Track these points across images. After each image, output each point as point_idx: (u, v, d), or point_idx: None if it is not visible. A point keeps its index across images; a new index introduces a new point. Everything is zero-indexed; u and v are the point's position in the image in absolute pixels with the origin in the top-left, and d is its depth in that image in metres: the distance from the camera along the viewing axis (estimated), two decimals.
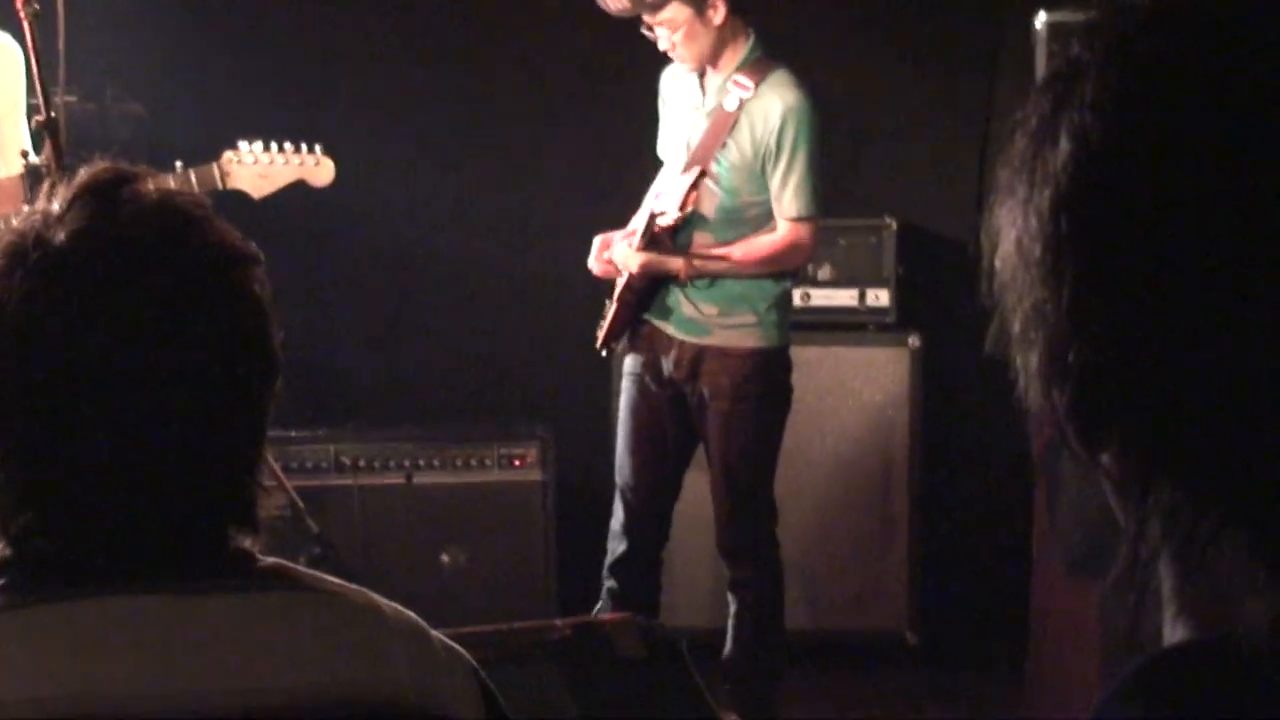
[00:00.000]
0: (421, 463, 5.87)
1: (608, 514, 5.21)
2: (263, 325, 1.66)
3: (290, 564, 1.70)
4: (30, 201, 1.65)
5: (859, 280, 6.11)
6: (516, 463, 5.90)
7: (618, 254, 5.02)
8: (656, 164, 5.19)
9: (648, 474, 5.09)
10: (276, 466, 5.16)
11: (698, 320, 4.99)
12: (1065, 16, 4.97)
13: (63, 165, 4.19)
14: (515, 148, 6.47)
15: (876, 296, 6.09)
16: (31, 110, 4.58)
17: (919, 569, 5.99)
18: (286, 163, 5.10)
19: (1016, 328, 0.91)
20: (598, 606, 5.10)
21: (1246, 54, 0.86)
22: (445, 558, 5.83)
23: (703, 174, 4.82)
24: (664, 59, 5.00)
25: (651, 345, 5.06)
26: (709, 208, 4.93)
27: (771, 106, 4.84)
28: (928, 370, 6.00)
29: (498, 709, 1.73)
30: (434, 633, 1.72)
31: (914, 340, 5.99)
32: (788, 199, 4.88)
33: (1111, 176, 0.87)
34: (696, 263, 4.93)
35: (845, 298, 6.10)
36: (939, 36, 6.42)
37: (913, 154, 6.45)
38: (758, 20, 4.97)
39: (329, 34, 6.44)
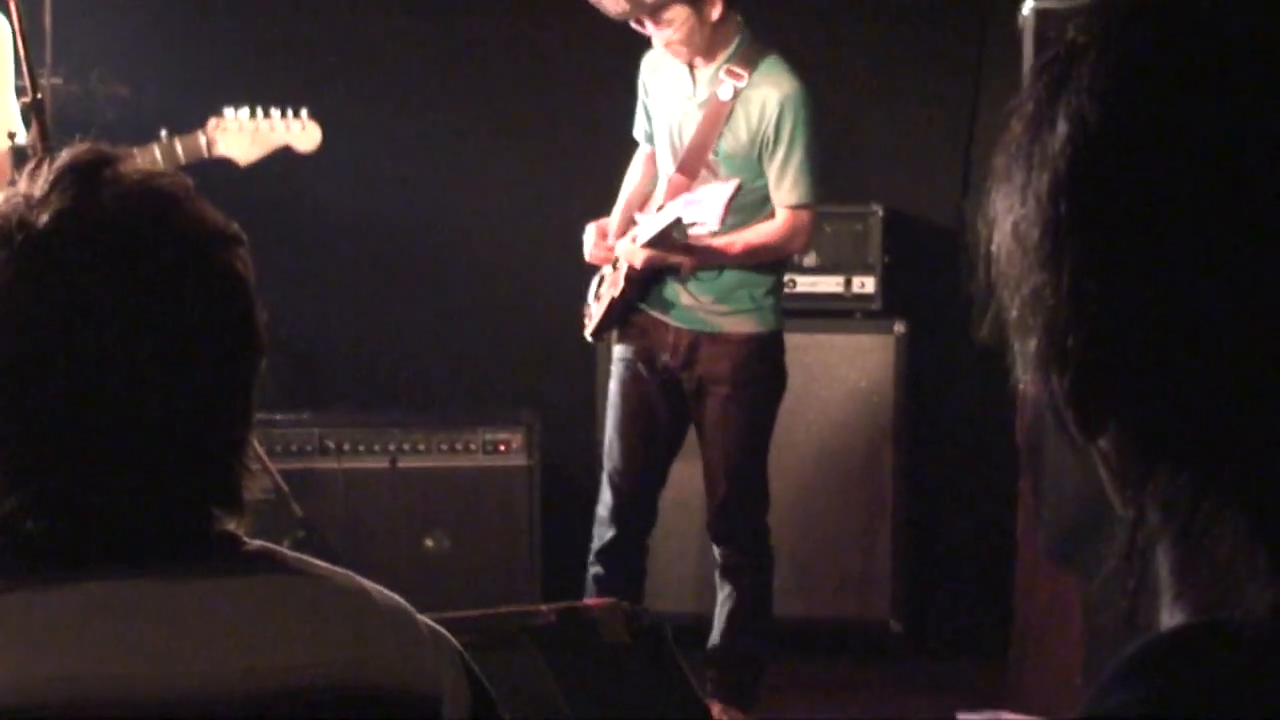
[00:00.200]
0: (406, 447, 5.87)
1: (593, 500, 5.21)
2: (247, 306, 1.66)
3: (277, 547, 1.70)
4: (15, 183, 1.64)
5: (845, 267, 6.11)
6: (501, 448, 5.90)
7: (621, 248, 5.01)
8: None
9: (637, 460, 5.09)
10: (260, 449, 5.15)
11: (695, 308, 4.99)
12: (1052, 4, 4.97)
13: (49, 147, 4.17)
14: (503, 132, 6.46)
15: (862, 283, 6.09)
16: (18, 92, 4.56)
17: (904, 556, 5.99)
18: (273, 128, 5.09)
19: (1014, 313, 0.91)
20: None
21: (1246, 36, 0.86)
22: (429, 542, 5.83)
23: (739, 188, 4.79)
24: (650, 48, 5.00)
25: (645, 334, 5.06)
26: None
27: (768, 95, 4.85)
28: (913, 357, 6.00)
29: (484, 693, 1.73)
30: (420, 616, 1.72)
31: (899, 327, 5.99)
32: (787, 187, 4.88)
33: (1111, 160, 0.87)
34: (700, 257, 4.93)
35: (831, 284, 6.10)
36: (925, 24, 6.42)
37: (899, 142, 6.46)
38: (744, 9, 4.96)
39: (314, 19, 6.43)
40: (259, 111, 5.05)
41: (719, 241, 4.90)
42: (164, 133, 4.88)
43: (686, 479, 5.23)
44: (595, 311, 5.14)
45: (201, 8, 6.36)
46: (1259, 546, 0.82)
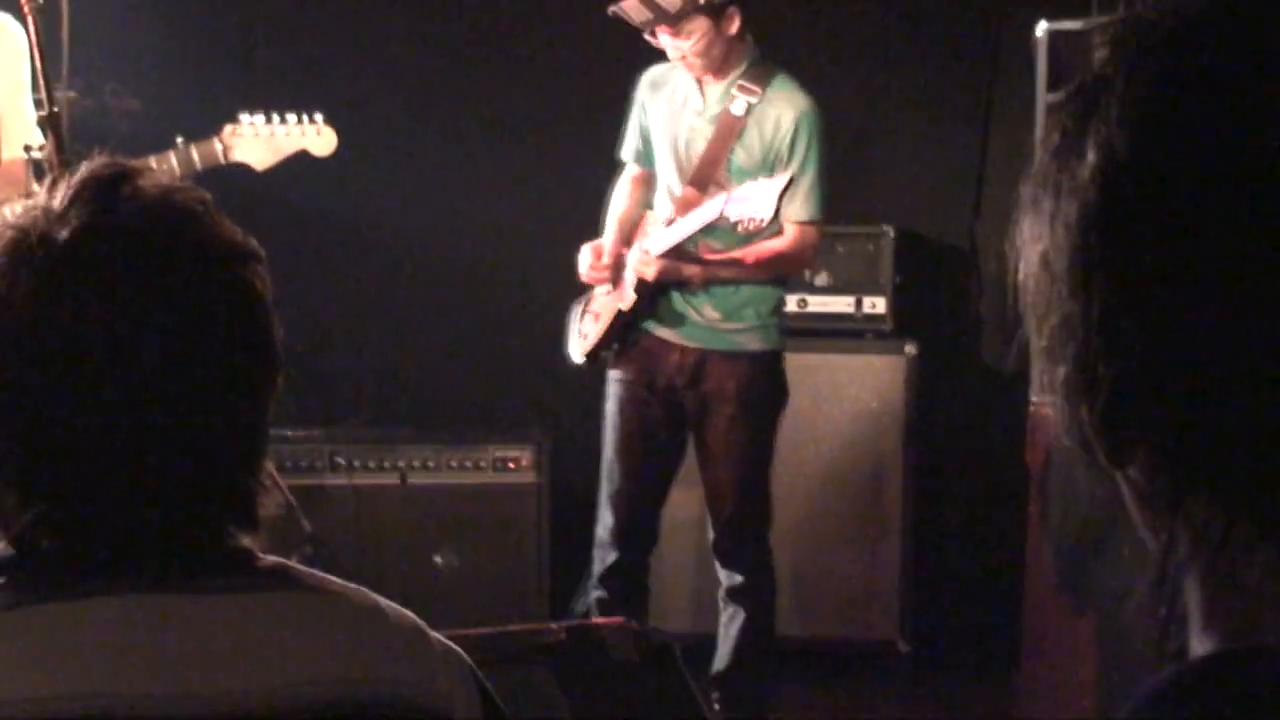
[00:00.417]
0: (416, 463, 5.87)
1: None
2: (265, 322, 1.66)
3: (292, 563, 1.70)
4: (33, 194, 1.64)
5: (856, 287, 6.11)
6: (511, 465, 5.90)
7: (633, 259, 5.01)
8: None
9: (638, 481, 5.08)
10: (270, 465, 5.15)
11: (701, 325, 4.99)
12: (1066, 24, 4.97)
13: (65, 160, 4.18)
14: (516, 150, 6.47)
15: (873, 304, 6.09)
16: (35, 105, 4.57)
17: (911, 577, 5.99)
18: (288, 133, 5.08)
19: (1043, 342, 0.91)
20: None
21: (1275, 64, 0.86)
22: (439, 559, 5.82)
23: (791, 181, 4.78)
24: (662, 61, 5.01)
25: (646, 355, 5.05)
26: None
27: (784, 112, 4.88)
28: (923, 378, 6.00)
29: (495, 709, 1.73)
30: (433, 633, 1.72)
31: (910, 348, 5.98)
32: (797, 203, 4.89)
33: (1141, 189, 0.87)
34: (712, 269, 4.94)
35: (842, 305, 6.10)
36: (938, 45, 6.43)
37: (911, 162, 6.46)
38: (757, 27, 4.98)
39: (328, 30, 6.44)
40: (274, 117, 5.05)
41: (730, 254, 4.92)
42: (180, 140, 4.88)
43: (683, 499, 5.22)
44: (591, 330, 5.13)
45: (212, 21, 6.37)
46: None
